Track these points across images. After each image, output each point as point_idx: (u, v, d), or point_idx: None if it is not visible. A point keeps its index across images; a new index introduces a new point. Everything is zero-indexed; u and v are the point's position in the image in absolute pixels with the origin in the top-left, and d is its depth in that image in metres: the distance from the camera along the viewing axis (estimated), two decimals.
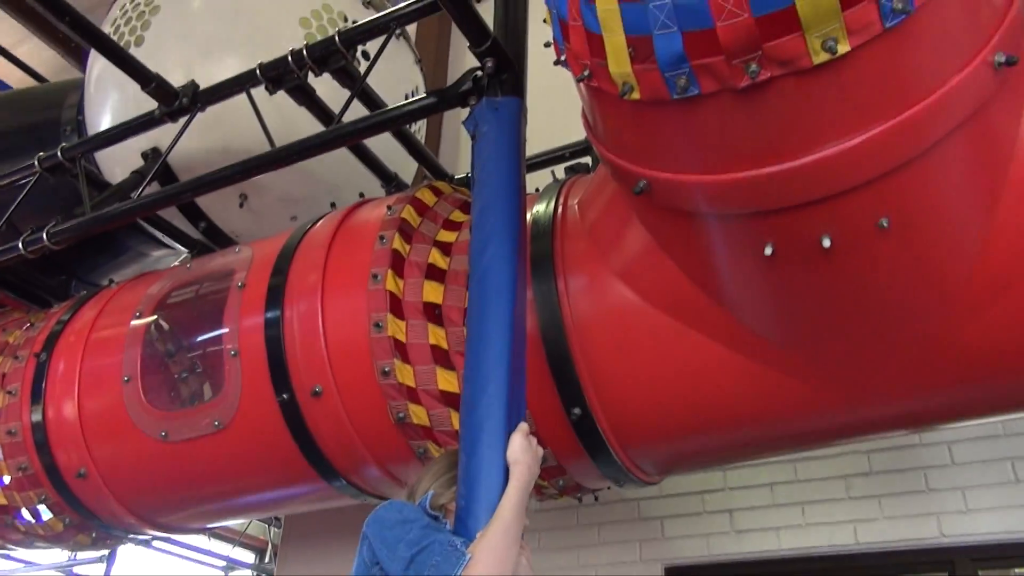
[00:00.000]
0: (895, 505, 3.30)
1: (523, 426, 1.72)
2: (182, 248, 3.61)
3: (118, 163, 3.29)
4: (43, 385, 2.76)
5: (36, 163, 3.08)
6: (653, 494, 3.74)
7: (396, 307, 2.27)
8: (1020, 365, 1.75)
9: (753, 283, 1.81)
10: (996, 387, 1.85)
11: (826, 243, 1.59)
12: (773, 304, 1.83)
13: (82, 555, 5.96)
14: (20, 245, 2.93)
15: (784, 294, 1.78)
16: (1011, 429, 3.22)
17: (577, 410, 2.08)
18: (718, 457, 2.40)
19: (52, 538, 2.91)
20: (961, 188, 1.60)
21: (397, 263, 2.32)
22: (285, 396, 2.35)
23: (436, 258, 2.35)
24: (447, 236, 2.42)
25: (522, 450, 1.67)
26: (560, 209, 2.26)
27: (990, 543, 3.13)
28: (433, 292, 2.29)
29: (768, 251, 1.65)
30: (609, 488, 2.56)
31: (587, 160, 3.23)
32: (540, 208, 2.28)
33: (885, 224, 1.53)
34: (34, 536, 2.91)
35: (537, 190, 2.46)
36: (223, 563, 7.91)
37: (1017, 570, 4.22)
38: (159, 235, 3.57)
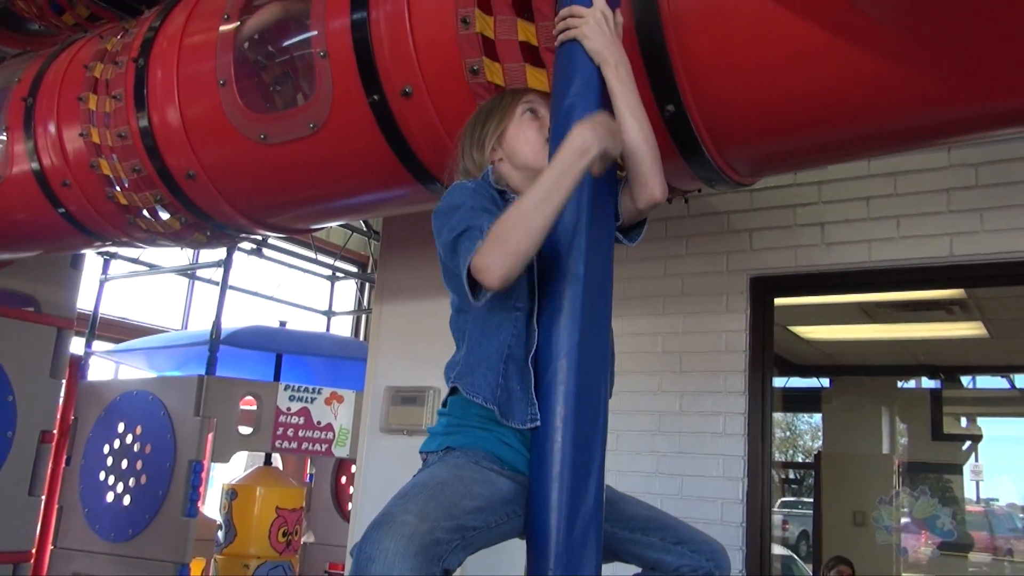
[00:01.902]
0: (997, 218, 3.21)
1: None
2: None
3: None
4: (145, 90, 2.83)
5: None
6: (743, 207, 3.73)
7: (484, 1, 2.17)
8: None
9: None
10: None
11: None
12: None
13: (202, 260, 6.48)
14: None
15: None
16: None
17: (671, 107, 2.01)
18: (816, 155, 2.32)
19: (171, 236, 3.14)
20: None
21: None
22: (375, 97, 2.35)
23: None
24: None
25: (582, 125, 1.51)
26: None
27: None
28: None
29: None
30: (699, 192, 2.55)
31: None
32: None
33: None
34: (155, 233, 3.14)
35: None
36: (329, 272, 8.49)
37: None
38: None
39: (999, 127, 2.11)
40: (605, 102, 1.69)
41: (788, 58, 1.89)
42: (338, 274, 8.52)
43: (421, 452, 1.62)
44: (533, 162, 1.70)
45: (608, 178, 1.68)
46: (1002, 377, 7.33)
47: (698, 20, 1.95)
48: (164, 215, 3.07)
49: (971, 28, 1.69)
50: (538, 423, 1.51)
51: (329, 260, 8.54)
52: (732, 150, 2.14)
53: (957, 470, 7.23)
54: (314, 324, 8.33)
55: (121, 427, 5.22)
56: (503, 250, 1.40)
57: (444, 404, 1.65)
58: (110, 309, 6.83)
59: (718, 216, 3.78)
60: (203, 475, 4.99)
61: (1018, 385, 7.30)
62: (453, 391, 1.63)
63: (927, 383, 7.33)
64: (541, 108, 1.78)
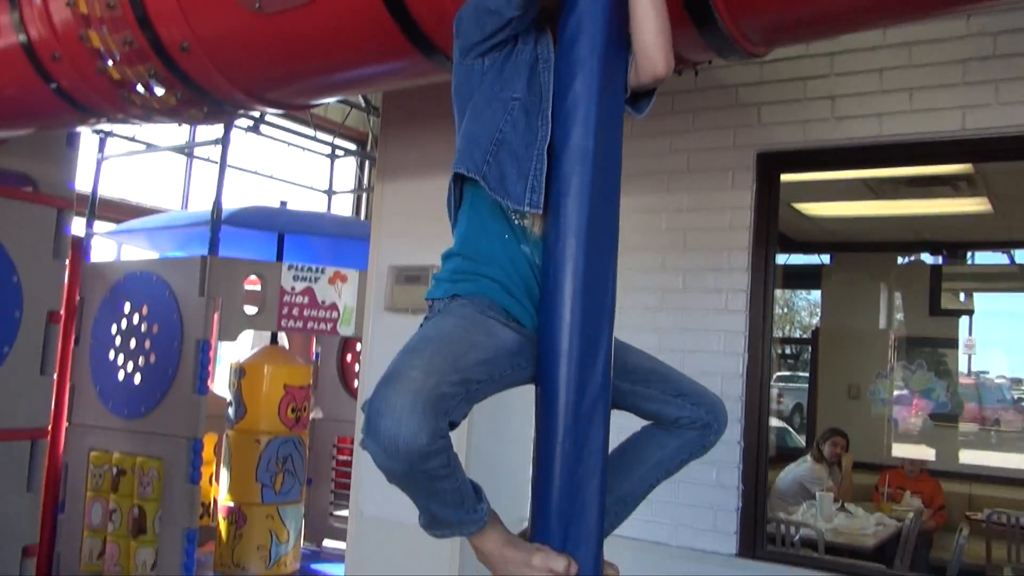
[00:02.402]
0: (1013, 90, 3.14)
1: None
2: None
3: None
4: None
5: None
6: (752, 80, 3.65)
7: None
8: None
9: None
10: None
11: None
12: None
13: (200, 138, 6.38)
14: None
15: None
16: None
17: None
18: (831, 23, 2.23)
19: (168, 111, 3.06)
20: None
21: None
22: None
23: None
24: None
25: None
26: None
27: None
28: None
29: None
30: (710, 63, 2.47)
31: None
32: None
33: None
34: (151, 109, 3.06)
35: None
36: (328, 151, 8.37)
37: None
38: None
39: None
40: None
41: None
42: (337, 152, 8.40)
43: (427, 299, 1.62)
44: None
45: (618, 46, 1.62)
46: (1003, 252, 7.36)
47: None
48: (159, 90, 2.98)
49: None
50: (539, 209, 1.51)
51: (328, 138, 8.41)
52: (746, 18, 2.06)
53: (953, 344, 7.36)
54: (315, 203, 8.29)
55: (127, 307, 5.27)
56: None
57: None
58: (109, 190, 6.78)
59: (726, 90, 3.69)
60: (211, 353, 5.07)
61: (1018, 260, 7.34)
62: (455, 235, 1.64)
63: (927, 259, 7.36)
64: None
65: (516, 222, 1.57)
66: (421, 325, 1.56)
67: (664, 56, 1.61)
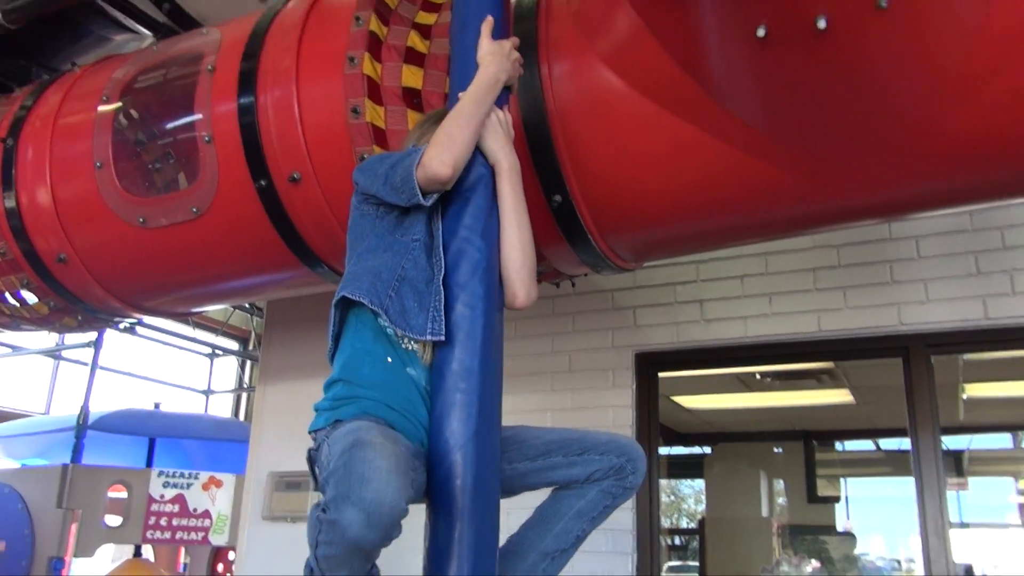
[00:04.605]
0: (859, 296, 3.43)
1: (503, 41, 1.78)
2: (146, 31, 3.43)
3: None
4: (13, 171, 2.70)
5: None
6: (627, 285, 3.85)
7: (374, 92, 2.20)
8: (1004, 151, 1.76)
9: (742, 67, 1.76)
10: (980, 174, 1.86)
11: (821, 24, 1.55)
12: (761, 89, 1.80)
13: (69, 340, 6.13)
14: None
15: (773, 79, 1.74)
16: (978, 224, 3.30)
17: (558, 197, 2.08)
18: (694, 243, 2.44)
19: (39, 321, 2.97)
20: None
21: (374, 46, 2.22)
22: (263, 182, 2.33)
23: (415, 41, 2.25)
24: (426, 18, 2.31)
25: (489, 51, 1.75)
26: None
27: (945, 330, 3.29)
28: (412, 77, 2.21)
29: (761, 32, 1.61)
30: (586, 275, 2.62)
31: None
32: None
33: (884, 3, 1.47)
34: (20, 319, 2.96)
35: None
36: (208, 350, 8.17)
37: (966, 356, 4.50)
38: (121, 17, 3.37)
39: (856, 219, 2.28)
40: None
41: (667, 152, 2.00)
42: (218, 351, 8.21)
43: (310, 431, 1.60)
44: None
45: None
46: (869, 440, 7.74)
47: (582, 115, 2.05)
48: (31, 299, 2.90)
49: (828, 131, 1.84)
50: (441, 337, 1.56)
51: (208, 337, 8.24)
52: (616, 237, 2.23)
53: (832, 531, 7.52)
54: (192, 404, 7.97)
55: None
56: (451, 147, 1.61)
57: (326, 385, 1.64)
58: None
59: (603, 294, 3.88)
60: (64, 572, 4.63)
61: (883, 447, 7.72)
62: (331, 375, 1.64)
63: (799, 448, 7.64)
64: None
65: (404, 346, 1.60)
66: (309, 460, 1.57)
67: (525, 291, 1.73)
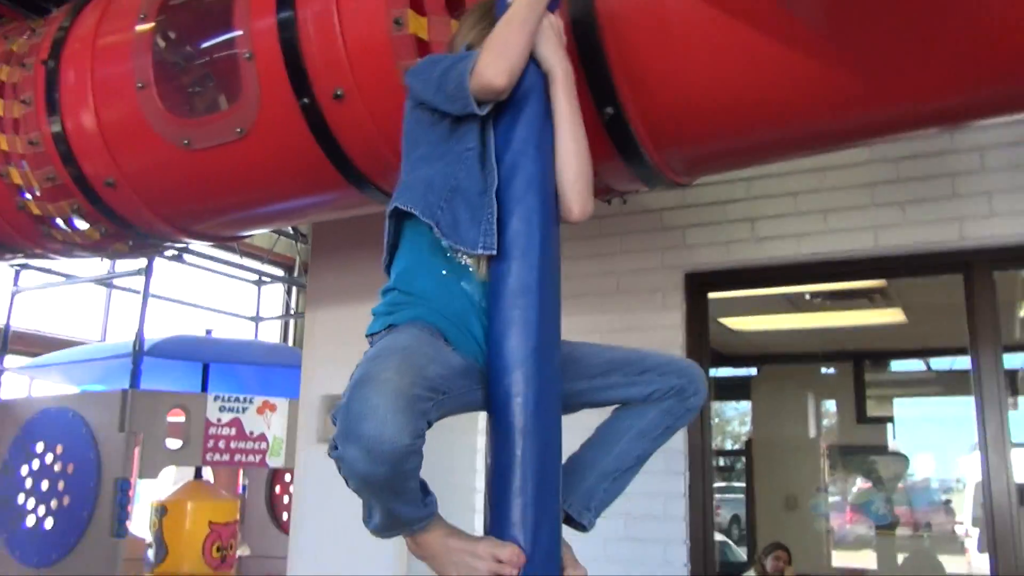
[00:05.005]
0: (919, 211, 3.32)
1: None
2: None
3: None
4: (56, 94, 2.69)
5: None
6: (676, 204, 3.77)
7: (416, 2, 2.12)
8: None
9: None
10: None
11: None
12: None
13: (120, 268, 6.24)
14: None
15: None
16: None
17: (610, 109, 2.00)
18: (753, 156, 2.35)
19: (91, 246, 2.99)
20: None
21: None
22: (306, 100, 2.28)
23: None
24: None
25: None
26: None
27: (1008, 245, 3.17)
28: None
29: None
30: (637, 192, 2.55)
31: None
32: None
33: None
34: (73, 244, 2.99)
35: None
36: (255, 277, 8.27)
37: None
38: None
39: (923, 126, 2.17)
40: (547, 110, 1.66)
41: (722, 59, 1.90)
42: (264, 278, 8.31)
43: (367, 335, 1.59)
44: None
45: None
46: (920, 360, 7.63)
47: (634, 21, 1.94)
48: (82, 225, 2.92)
49: (894, 32, 1.73)
50: (494, 251, 1.52)
51: (255, 264, 8.33)
52: (670, 151, 2.15)
53: (881, 451, 7.48)
54: (241, 331, 8.11)
55: (40, 447, 4.97)
56: (507, 54, 1.54)
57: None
58: (22, 322, 6.52)
59: (651, 213, 3.81)
60: (130, 493, 4.80)
61: (933, 367, 7.60)
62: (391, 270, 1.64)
63: (848, 369, 7.56)
64: None
65: (459, 260, 1.58)
66: (370, 349, 1.53)
67: (580, 204, 1.67)
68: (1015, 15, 1.62)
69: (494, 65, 1.52)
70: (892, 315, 5.92)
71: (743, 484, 8.28)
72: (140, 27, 2.61)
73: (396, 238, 1.65)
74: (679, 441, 3.51)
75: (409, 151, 1.69)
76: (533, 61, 1.63)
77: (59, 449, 4.87)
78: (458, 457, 3.81)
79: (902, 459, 7.39)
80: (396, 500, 1.35)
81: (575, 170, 1.65)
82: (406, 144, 1.71)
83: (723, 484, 11.01)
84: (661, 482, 3.49)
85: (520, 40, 1.56)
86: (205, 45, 2.71)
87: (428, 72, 1.64)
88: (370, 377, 1.26)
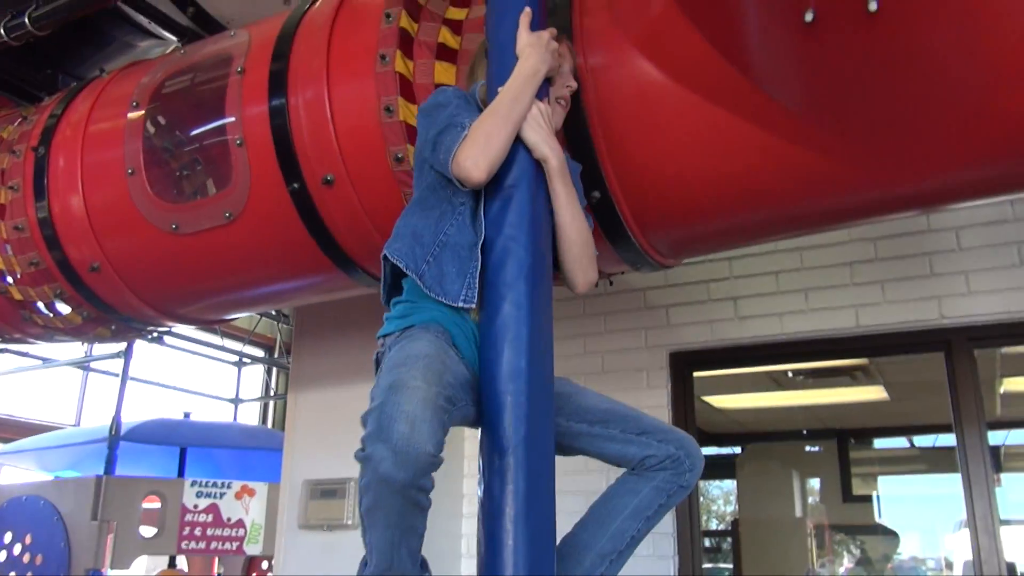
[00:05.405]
0: (898, 290, 3.36)
1: (541, 32, 1.74)
2: (170, 36, 3.44)
3: None
4: (45, 180, 2.70)
5: None
6: (659, 283, 3.80)
7: (407, 90, 2.17)
8: None
9: (787, 52, 1.72)
10: None
11: (873, 6, 1.51)
12: (806, 74, 1.75)
13: (98, 351, 6.16)
14: (2, 31, 2.77)
15: (820, 64, 1.69)
16: (1021, 213, 3.22)
17: (596, 193, 2.04)
18: (735, 237, 2.39)
19: (72, 331, 2.96)
20: None
21: (405, 43, 2.20)
22: (295, 185, 2.31)
23: (446, 37, 2.22)
24: (456, 13, 2.27)
25: (528, 43, 1.70)
26: None
27: (987, 323, 3.21)
28: (445, 73, 2.18)
29: (809, 17, 1.57)
30: (623, 273, 2.58)
31: None
32: None
33: None
34: (54, 329, 2.96)
35: None
36: (236, 358, 8.19)
37: (1006, 349, 4.41)
38: (145, 22, 3.38)
39: (901, 210, 2.22)
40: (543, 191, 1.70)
41: (709, 144, 1.96)
42: (245, 359, 8.23)
43: (378, 336, 1.64)
44: None
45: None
46: (903, 437, 7.62)
47: (620, 108, 2.00)
48: (64, 309, 2.90)
49: (880, 119, 1.78)
50: (473, 305, 1.58)
51: (235, 345, 8.26)
52: (656, 234, 2.18)
53: (870, 530, 7.40)
54: (221, 413, 7.98)
55: (8, 537, 4.81)
56: (487, 148, 1.58)
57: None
58: None
59: (635, 292, 3.83)
60: None
61: (917, 444, 7.60)
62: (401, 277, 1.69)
63: (832, 447, 7.53)
64: None
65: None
66: (376, 361, 1.59)
67: (583, 276, 1.77)
68: (994, 104, 1.69)
69: (473, 158, 1.58)
70: (875, 392, 5.94)
71: (729, 565, 8.14)
72: (132, 114, 2.65)
73: (392, 277, 1.71)
74: (667, 524, 3.46)
75: (416, 182, 1.75)
76: (525, 148, 1.67)
77: (28, 539, 4.71)
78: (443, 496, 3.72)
79: (892, 537, 7.31)
80: (404, 537, 1.33)
81: (579, 248, 1.73)
82: (415, 171, 1.77)
83: (710, 565, 10.80)
84: (651, 566, 3.42)
85: (503, 132, 1.62)
86: (196, 131, 2.75)
87: (429, 124, 1.69)
88: (402, 384, 1.31)
